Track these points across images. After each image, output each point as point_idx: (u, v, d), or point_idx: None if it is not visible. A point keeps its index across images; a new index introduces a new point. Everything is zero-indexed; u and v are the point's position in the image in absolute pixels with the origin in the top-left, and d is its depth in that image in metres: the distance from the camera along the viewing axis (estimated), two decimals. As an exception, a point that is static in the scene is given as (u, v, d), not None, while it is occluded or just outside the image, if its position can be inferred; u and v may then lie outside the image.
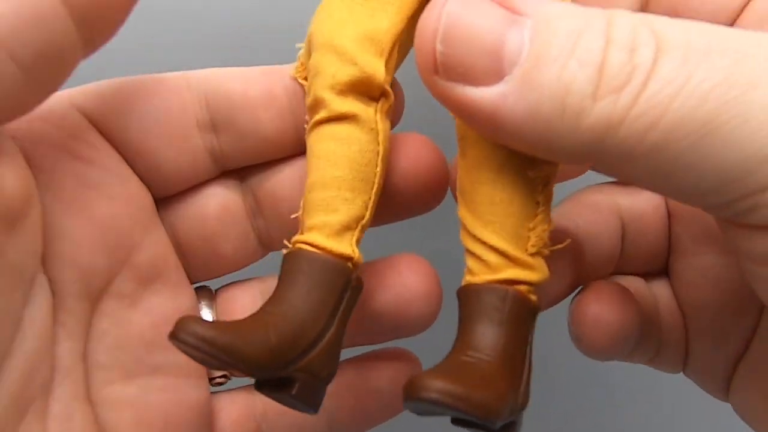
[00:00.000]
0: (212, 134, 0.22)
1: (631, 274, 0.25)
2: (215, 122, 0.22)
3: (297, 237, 0.19)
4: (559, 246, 0.19)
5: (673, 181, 0.16)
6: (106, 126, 0.21)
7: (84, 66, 0.18)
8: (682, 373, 0.26)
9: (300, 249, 0.19)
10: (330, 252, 0.18)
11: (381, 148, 0.20)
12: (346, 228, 0.19)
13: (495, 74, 0.16)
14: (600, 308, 0.23)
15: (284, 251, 0.19)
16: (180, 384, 0.22)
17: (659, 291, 0.25)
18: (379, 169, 0.20)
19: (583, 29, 0.15)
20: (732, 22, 0.21)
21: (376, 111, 0.20)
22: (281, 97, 0.22)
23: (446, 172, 0.22)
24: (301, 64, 0.21)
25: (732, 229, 0.17)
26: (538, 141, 0.16)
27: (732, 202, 0.16)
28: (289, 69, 0.22)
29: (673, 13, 0.21)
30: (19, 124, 0.18)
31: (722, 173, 0.15)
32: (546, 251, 0.18)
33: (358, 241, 0.19)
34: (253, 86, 0.22)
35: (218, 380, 0.23)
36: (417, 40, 0.17)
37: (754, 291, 0.18)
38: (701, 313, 0.24)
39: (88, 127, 0.21)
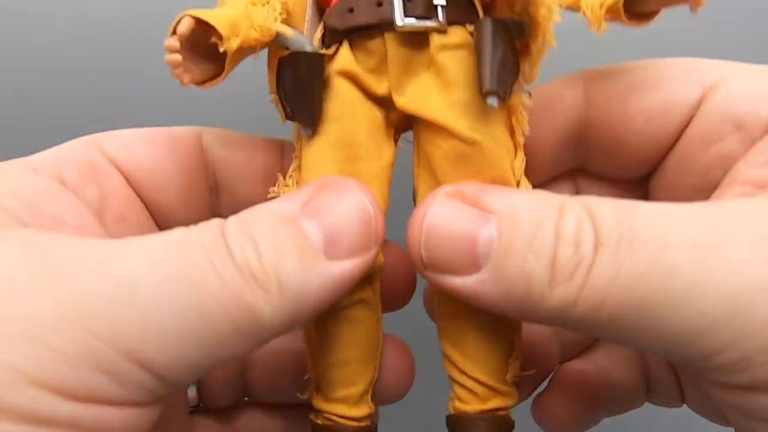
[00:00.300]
0: (216, 197, 0.26)
1: None
2: (219, 187, 0.26)
3: (321, 405, 0.24)
4: (527, 373, 0.24)
5: (636, 345, 0.20)
6: (140, 187, 0.25)
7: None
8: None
9: (329, 424, 0.24)
10: (354, 418, 0.23)
11: (380, 314, 0.24)
12: (365, 393, 0.24)
13: (472, 266, 0.19)
14: (560, 409, 0.27)
15: (314, 421, 0.24)
16: None
17: None
18: (381, 333, 0.24)
19: (538, 223, 0.19)
20: (672, 145, 0.24)
21: (375, 290, 0.24)
22: (270, 169, 0.26)
23: (413, 275, 0.26)
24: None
25: (707, 386, 0.19)
26: (514, 314, 0.20)
27: (694, 361, 0.18)
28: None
29: (613, 142, 0.24)
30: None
31: (671, 341, 0.18)
32: (517, 378, 0.24)
33: (372, 394, 0.24)
34: (256, 159, 0.26)
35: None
36: (407, 246, 0.21)
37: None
38: None
39: (126, 187, 0.24)
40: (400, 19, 0.22)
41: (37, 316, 0.17)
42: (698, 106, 0.23)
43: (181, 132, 0.26)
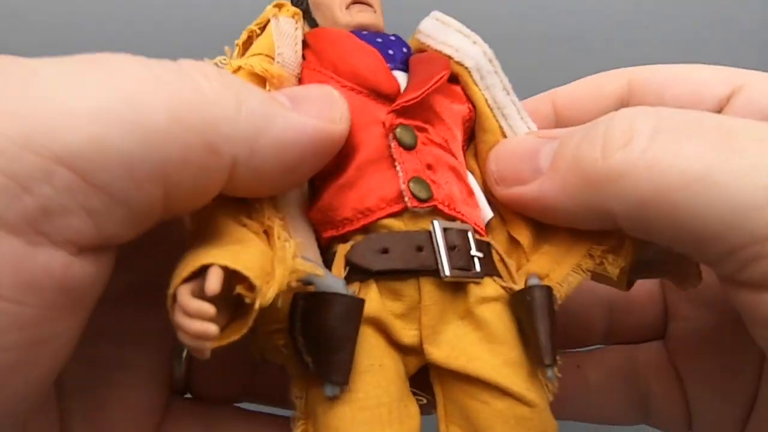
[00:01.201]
0: None
1: (622, 342, 0.29)
2: None
3: None
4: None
5: (681, 228, 0.19)
6: None
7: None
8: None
9: None
10: None
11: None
12: None
13: (536, 173, 0.22)
14: None
15: None
16: None
17: (652, 354, 0.28)
18: None
19: (591, 124, 0.21)
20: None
21: None
22: None
23: None
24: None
25: (736, 291, 0.19)
26: (573, 207, 0.21)
27: (733, 252, 0.18)
28: None
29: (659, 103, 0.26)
30: None
31: (720, 220, 0.18)
32: None
33: None
34: None
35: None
36: (484, 168, 0.24)
37: (753, 352, 0.21)
38: (698, 374, 0.26)
39: None
40: (448, 270, 0.20)
41: None
42: (727, 101, 0.24)
43: None
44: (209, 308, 0.16)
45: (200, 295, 0.16)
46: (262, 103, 0.18)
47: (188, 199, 0.18)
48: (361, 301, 0.19)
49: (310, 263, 0.19)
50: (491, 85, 0.24)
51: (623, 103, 0.27)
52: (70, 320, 0.16)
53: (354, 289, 0.20)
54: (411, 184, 0.21)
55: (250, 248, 0.18)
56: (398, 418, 0.19)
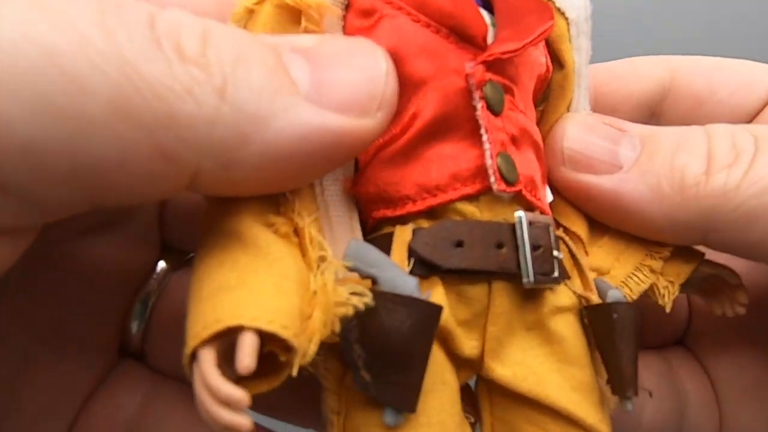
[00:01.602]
0: None
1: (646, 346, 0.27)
2: None
3: None
4: None
5: None
6: None
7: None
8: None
9: None
10: None
11: None
12: None
13: (614, 166, 0.19)
14: None
15: None
16: None
17: (681, 356, 0.26)
18: None
19: (683, 133, 0.19)
20: (750, 119, 0.25)
21: None
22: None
23: None
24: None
25: None
26: (659, 215, 0.19)
27: None
28: None
29: (694, 110, 0.25)
30: None
31: None
32: None
33: None
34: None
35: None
36: (548, 142, 0.20)
37: None
38: (730, 372, 0.25)
39: None
40: (533, 275, 0.17)
41: None
42: None
43: None
44: (243, 398, 0.12)
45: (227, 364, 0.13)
46: (259, 90, 0.13)
47: (126, 202, 0.14)
48: (439, 309, 0.15)
49: (354, 285, 0.15)
50: (581, 47, 0.20)
51: (665, 87, 0.26)
52: None
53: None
54: (500, 161, 0.17)
55: (285, 283, 0.14)
56: None
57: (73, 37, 0.12)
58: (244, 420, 0.12)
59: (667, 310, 0.20)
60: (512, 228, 0.17)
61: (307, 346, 0.13)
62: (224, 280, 0.13)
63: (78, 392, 0.21)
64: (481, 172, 0.17)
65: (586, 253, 0.20)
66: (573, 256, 0.19)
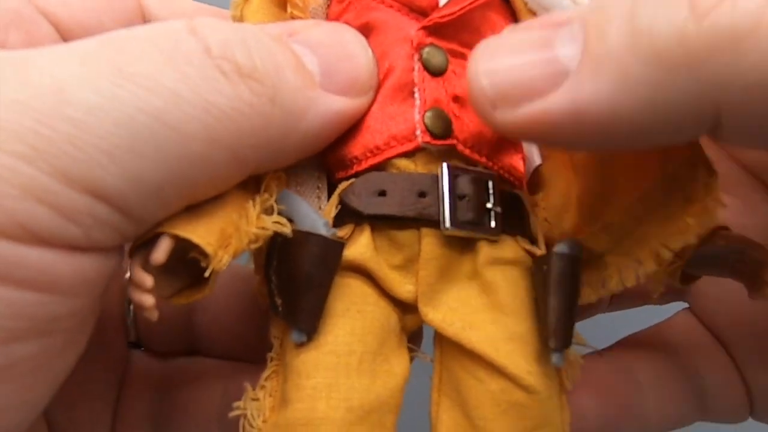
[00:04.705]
0: None
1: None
2: None
3: None
4: None
5: None
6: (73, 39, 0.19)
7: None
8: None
9: None
10: None
11: None
12: None
13: (558, 76, 0.14)
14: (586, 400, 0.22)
15: None
16: None
17: (682, 326, 0.23)
18: None
19: None
20: None
21: None
22: None
23: None
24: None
25: None
26: (637, 109, 0.13)
27: None
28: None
29: None
30: None
31: None
32: None
33: None
34: None
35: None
36: (468, 84, 0.16)
37: None
38: (742, 331, 0.22)
39: (59, 40, 0.20)
40: (449, 221, 0.18)
41: None
42: None
43: None
44: (148, 281, 0.16)
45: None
46: (296, 91, 0.16)
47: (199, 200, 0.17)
48: (340, 244, 0.17)
49: (278, 217, 0.17)
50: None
51: None
52: (98, 305, 0.17)
53: (346, 231, 0.18)
54: (427, 116, 0.18)
55: (218, 210, 0.17)
56: (370, 371, 0.17)
57: (167, 95, 0.14)
58: (148, 299, 0.16)
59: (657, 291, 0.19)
60: (437, 178, 0.18)
61: (222, 254, 0.16)
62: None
63: (110, 394, 0.23)
64: (415, 128, 0.18)
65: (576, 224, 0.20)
66: (526, 213, 0.19)
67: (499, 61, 0.15)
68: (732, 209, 0.21)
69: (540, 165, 0.21)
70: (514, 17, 0.20)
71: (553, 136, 0.15)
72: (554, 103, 0.14)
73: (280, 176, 0.18)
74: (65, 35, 0.20)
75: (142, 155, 0.14)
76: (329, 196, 0.19)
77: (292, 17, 0.19)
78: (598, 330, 0.26)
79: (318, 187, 0.19)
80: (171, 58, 0.15)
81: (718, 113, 0.13)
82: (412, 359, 0.19)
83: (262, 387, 0.18)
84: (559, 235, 0.20)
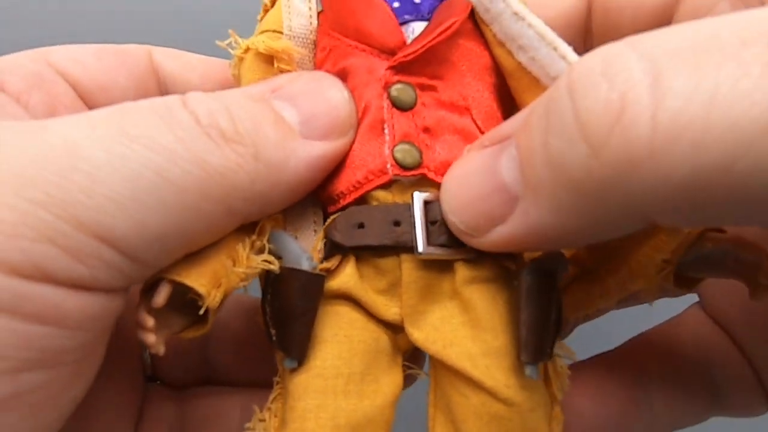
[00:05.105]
0: None
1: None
2: None
3: None
4: None
5: (747, 201, 0.13)
6: (92, 101, 0.22)
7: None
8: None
9: None
10: None
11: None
12: None
13: (508, 204, 0.16)
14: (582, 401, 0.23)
15: None
16: None
17: (692, 325, 0.23)
18: None
19: (546, 109, 0.15)
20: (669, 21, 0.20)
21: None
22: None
23: None
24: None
25: None
26: (582, 226, 0.15)
27: None
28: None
29: (613, 22, 0.22)
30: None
31: None
32: None
33: None
34: (210, 79, 0.24)
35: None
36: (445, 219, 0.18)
37: None
38: (755, 325, 0.22)
39: (77, 99, 0.22)
40: (422, 246, 0.19)
41: None
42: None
43: (132, 48, 0.24)
44: (149, 322, 0.18)
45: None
46: (276, 145, 0.18)
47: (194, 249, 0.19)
48: (321, 277, 0.19)
49: (269, 256, 0.19)
50: (498, 14, 0.20)
51: (584, 5, 0.23)
52: (105, 340, 0.19)
53: (333, 262, 0.20)
54: (396, 150, 0.19)
55: (212, 253, 0.18)
56: (356, 391, 0.19)
57: (166, 153, 0.16)
58: (150, 337, 0.18)
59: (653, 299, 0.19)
60: (409, 207, 0.19)
61: (215, 293, 0.18)
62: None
63: (129, 428, 0.24)
64: (387, 162, 0.20)
65: None
66: None
67: (460, 198, 0.18)
68: None
69: None
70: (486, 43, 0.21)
71: (525, 247, 0.18)
72: (513, 227, 0.16)
73: (276, 218, 0.20)
74: (83, 94, 0.22)
75: (145, 205, 0.16)
76: None
77: (280, 70, 0.21)
78: (611, 327, 0.26)
79: (314, 221, 0.21)
80: (168, 123, 0.17)
81: (646, 217, 0.14)
82: (409, 377, 0.20)
83: (268, 408, 0.20)
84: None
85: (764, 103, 0.12)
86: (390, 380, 0.19)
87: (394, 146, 0.19)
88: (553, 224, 0.15)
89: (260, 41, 0.21)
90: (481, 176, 0.17)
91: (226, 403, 0.25)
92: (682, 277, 0.20)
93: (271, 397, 0.20)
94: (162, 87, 0.24)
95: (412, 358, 0.21)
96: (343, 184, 0.20)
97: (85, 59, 0.22)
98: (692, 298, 0.25)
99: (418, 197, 0.19)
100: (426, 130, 0.20)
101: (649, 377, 0.23)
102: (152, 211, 0.16)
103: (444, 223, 0.19)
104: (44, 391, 0.16)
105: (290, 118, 0.19)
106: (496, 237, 0.17)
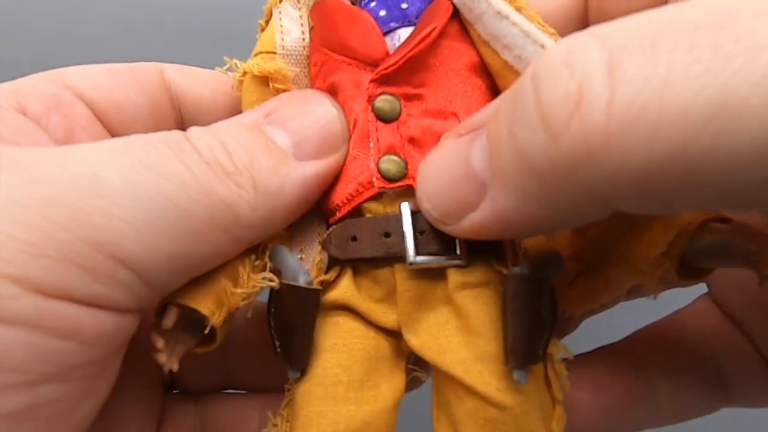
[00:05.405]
0: None
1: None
2: (185, 123, 0.24)
3: None
4: None
5: (697, 188, 0.13)
6: (109, 120, 0.23)
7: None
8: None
9: None
10: None
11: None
12: None
13: (478, 190, 0.17)
14: (580, 394, 0.23)
15: None
16: None
17: (700, 315, 0.23)
18: None
19: (512, 99, 0.15)
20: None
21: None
22: (237, 106, 0.23)
23: None
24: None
25: None
26: (545, 213, 0.15)
27: None
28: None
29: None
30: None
31: (753, 152, 0.12)
32: None
33: None
34: (220, 94, 0.24)
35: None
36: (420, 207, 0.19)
37: None
38: (765, 315, 0.22)
39: (93, 119, 0.23)
40: (412, 256, 0.19)
41: None
42: None
43: (144, 66, 0.24)
44: (157, 342, 0.19)
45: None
46: (271, 172, 0.19)
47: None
48: (316, 292, 0.20)
49: (268, 273, 0.20)
50: (480, 14, 0.20)
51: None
52: (118, 360, 0.19)
53: (332, 274, 0.20)
54: (381, 163, 0.20)
55: (215, 275, 0.19)
56: (356, 398, 0.19)
57: (177, 182, 0.17)
58: (161, 357, 0.19)
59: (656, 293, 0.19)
60: (398, 218, 0.19)
61: (218, 313, 0.19)
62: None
63: (151, 421, 0.25)
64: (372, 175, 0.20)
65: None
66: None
67: (433, 184, 0.18)
68: None
69: None
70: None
71: (497, 235, 0.18)
72: (483, 214, 0.17)
73: (281, 234, 0.21)
74: (98, 113, 0.23)
75: (158, 229, 0.17)
76: None
77: (276, 90, 0.22)
78: (618, 319, 0.25)
79: (318, 233, 0.22)
80: (178, 155, 0.18)
81: (607, 204, 0.15)
82: (416, 378, 0.21)
83: (280, 414, 0.21)
84: (559, 248, 0.20)
85: (715, 86, 0.12)
86: (391, 385, 0.20)
87: (379, 158, 0.20)
88: (519, 211, 0.16)
89: (255, 64, 0.22)
90: (453, 164, 0.18)
91: (245, 409, 0.26)
92: (689, 268, 0.19)
93: (282, 404, 0.21)
94: (174, 102, 0.25)
95: (419, 361, 0.21)
96: (338, 196, 0.21)
97: (99, 79, 0.23)
98: (702, 288, 0.24)
99: (406, 208, 0.19)
100: (411, 140, 0.20)
101: (654, 368, 0.23)
102: (164, 235, 0.17)
103: (433, 232, 0.19)
104: (59, 405, 0.17)
105: (282, 142, 0.20)
106: (468, 224, 0.17)
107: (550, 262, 0.19)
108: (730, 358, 0.22)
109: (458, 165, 0.17)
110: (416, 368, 0.21)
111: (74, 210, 0.16)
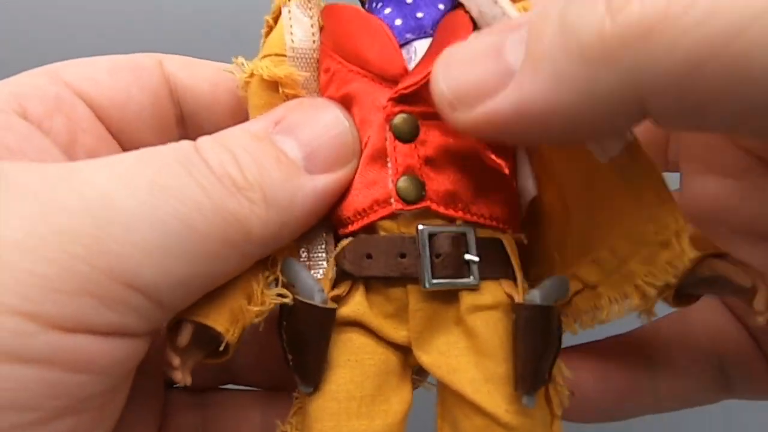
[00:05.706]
0: (183, 129, 0.24)
1: None
2: (185, 117, 0.24)
3: None
4: None
5: (746, 91, 0.13)
6: (109, 119, 0.22)
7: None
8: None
9: None
10: None
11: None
12: None
13: (504, 77, 0.16)
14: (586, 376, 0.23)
15: None
16: None
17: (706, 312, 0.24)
18: None
19: None
20: None
21: None
22: (238, 100, 0.23)
23: None
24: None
25: None
26: (569, 105, 0.15)
27: None
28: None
29: None
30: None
31: None
32: None
33: None
34: (220, 86, 0.24)
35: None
36: (432, 94, 0.18)
37: None
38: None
39: (95, 120, 0.22)
40: (428, 282, 0.19)
41: (1, 240, 0.15)
42: None
43: (144, 60, 0.24)
44: (173, 360, 0.19)
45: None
46: (282, 185, 0.19)
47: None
48: (332, 311, 0.20)
49: (281, 289, 0.20)
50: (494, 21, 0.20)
51: None
52: (128, 384, 0.19)
53: (344, 288, 0.21)
54: (400, 184, 0.20)
55: (228, 292, 0.20)
56: (368, 413, 0.20)
57: (191, 202, 0.17)
58: (176, 374, 0.19)
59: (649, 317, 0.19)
60: (414, 239, 0.20)
61: (233, 330, 0.20)
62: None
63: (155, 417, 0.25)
64: (390, 195, 0.20)
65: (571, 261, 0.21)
66: (508, 256, 0.20)
67: (457, 67, 0.17)
68: (739, 194, 0.22)
69: (536, 197, 0.22)
70: None
71: (503, 133, 0.17)
72: (501, 102, 0.16)
73: (289, 244, 0.21)
74: (99, 112, 0.23)
75: (171, 253, 0.17)
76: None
77: (285, 95, 0.21)
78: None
79: (326, 242, 0.22)
80: (190, 172, 0.18)
81: (641, 101, 0.14)
82: (416, 381, 0.22)
83: (289, 422, 0.21)
84: (560, 267, 0.21)
85: None
86: (400, 399, 0.21)
87: (398, 179, 0.20)
88: (545, 100, 0.15)
89: (264, 67, 0.21)
90: (482, 50, 0.17)
91: (247, 407, 0.26)
92: (682, 294, 0.21)
93: (291, 411, 0.22)
94: (174, 96, 0.24)
95: (422, 370, 0.22)
96: (349, 209, 0.21)
97: (98, 76, 0.23)
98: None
99: (424, 232, 0.20)
100: (429, 160, 0.20)
101: (656, 361, 0.24)
102: (177, 258, 0.17)
103: (449, 255, 0.19)
104: None
105: (292, 153, 0.20)
106: (482, 113, 0.16)
107: (559, 288, 0.20)
108: (733, 356, 0.23)
109: (488, 52, 0.16)
110: (422, 379, 0.22)
111: (91, 240, 0.16)
